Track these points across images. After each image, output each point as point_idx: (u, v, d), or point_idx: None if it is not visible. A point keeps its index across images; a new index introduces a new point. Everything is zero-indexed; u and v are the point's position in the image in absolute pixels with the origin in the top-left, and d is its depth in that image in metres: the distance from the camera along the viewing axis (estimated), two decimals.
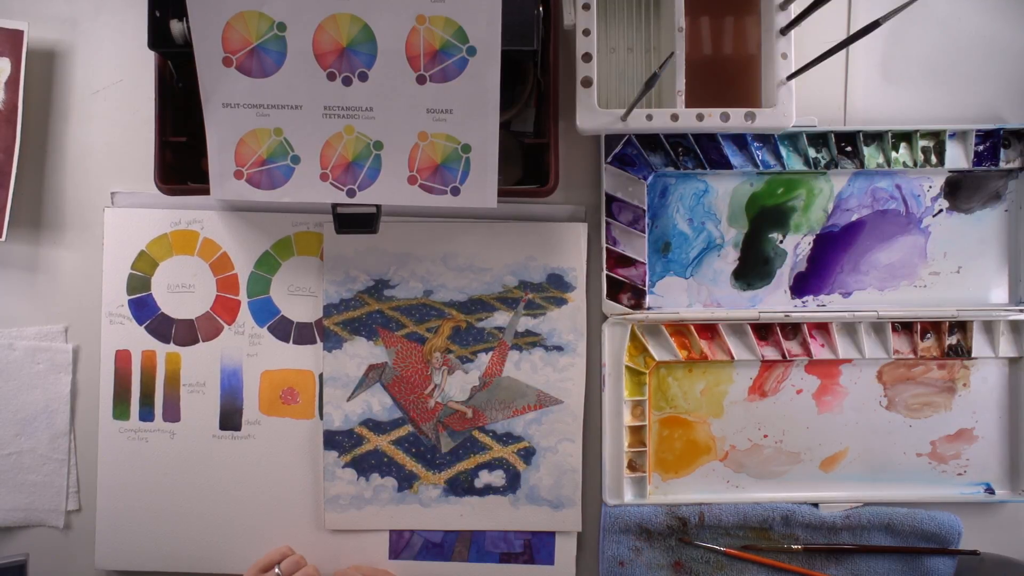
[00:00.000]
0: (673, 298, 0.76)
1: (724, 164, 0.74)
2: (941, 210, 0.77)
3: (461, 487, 0.72)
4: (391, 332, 0.71)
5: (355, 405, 0.71)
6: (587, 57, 0.68)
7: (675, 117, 0.68)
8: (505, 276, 0.71)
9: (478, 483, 0.72)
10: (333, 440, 0.72)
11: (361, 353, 0.71)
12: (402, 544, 0.74)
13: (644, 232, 0.75)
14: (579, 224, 0.76)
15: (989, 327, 0.77)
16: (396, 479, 0.72)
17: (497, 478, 0.72)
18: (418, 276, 0.71)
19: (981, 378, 0.78)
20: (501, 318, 0.71)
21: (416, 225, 0.73)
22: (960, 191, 0.77)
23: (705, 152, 0.74)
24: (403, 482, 0.72)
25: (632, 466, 0.76)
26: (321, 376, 0.73)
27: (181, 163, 0.74)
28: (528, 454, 0.72)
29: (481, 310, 0.71)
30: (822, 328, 0.76)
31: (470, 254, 0.71)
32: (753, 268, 0.77)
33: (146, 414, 0.76)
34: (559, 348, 0.72)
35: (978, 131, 0.75)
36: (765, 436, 0.77)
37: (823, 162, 0.75)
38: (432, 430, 0.71)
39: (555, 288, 0.72)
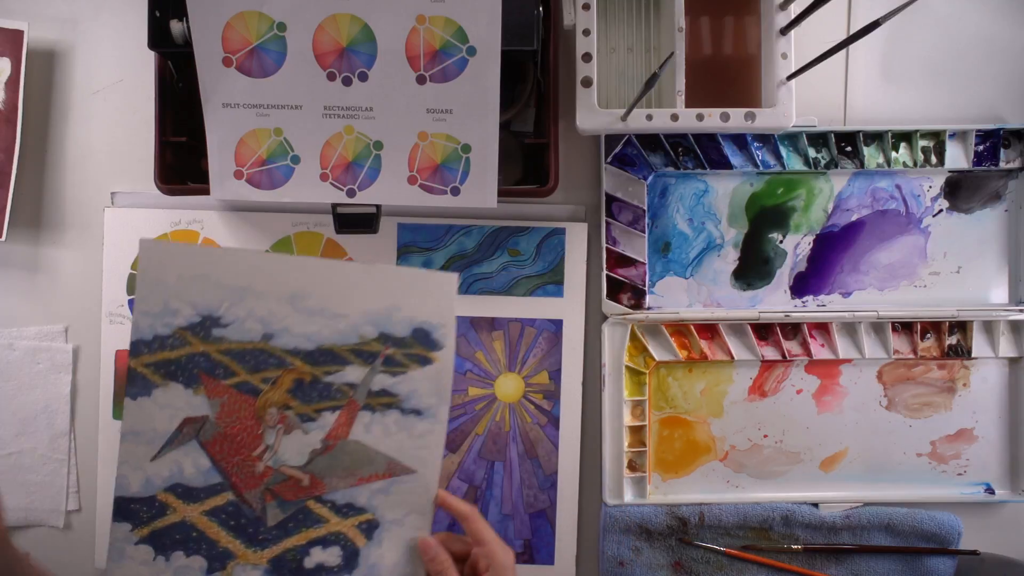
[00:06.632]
0: (673, 298, 0.77)
1: (724, 164, 0.74)
2: (941, 210, 0.77)
3: (287, 568, 0.59)
4: (217, 380, 0.58)
5: (161, 466, 0.58)
6: (587, 57, 0.68)
7: (675, 117, 0.68)
8: (363, 326, 0.59)
9: (308, 562, 0.59)
10: (127, 510, 0.57)
11: (175, 403, 0.58)
12: None
13: (644, 232, 0.75)
14: (579, 224, 0.76)
15: (989, 327, 0.77)
16: (206, 558, 0.58)
17: (331, 556, 0.59)
18: (257, 316, 0.58)
19: (981, 378, 0.78)
20: (353, 373, 0.59)
21: (260, 256, 0.62)
22: (960, 191, 0.77)
23: (705, 152, 0.74)
24: (214, 562, 0.58)
25: (632, 466, 0.76)
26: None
27: (181, 163, 0.74)
28: (371, 528, 0.59)
29: (331, 362, 0.59)
30: (822, 328, 0.76)
31: (324, 295, 0.59)
32: (753, 268, 0.77)
33: None
34: (417, 412, 0.60)
35: (978, 131, 0.75)
36: (765, 436, 0.77)
37: (823, 162, 0.75)
38: (258, 499, 0.59)
39: (420, 345, 0.60)
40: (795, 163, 0.75)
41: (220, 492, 0.58)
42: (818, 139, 0.75)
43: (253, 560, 0.59)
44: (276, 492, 0.59)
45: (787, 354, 0.76)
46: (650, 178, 0.75)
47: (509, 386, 0.77)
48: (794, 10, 0.68)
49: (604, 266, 0.75)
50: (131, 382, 0.57)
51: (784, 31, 0.68)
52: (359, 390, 0.59)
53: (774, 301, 0.77)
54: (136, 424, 0.57)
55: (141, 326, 0.58)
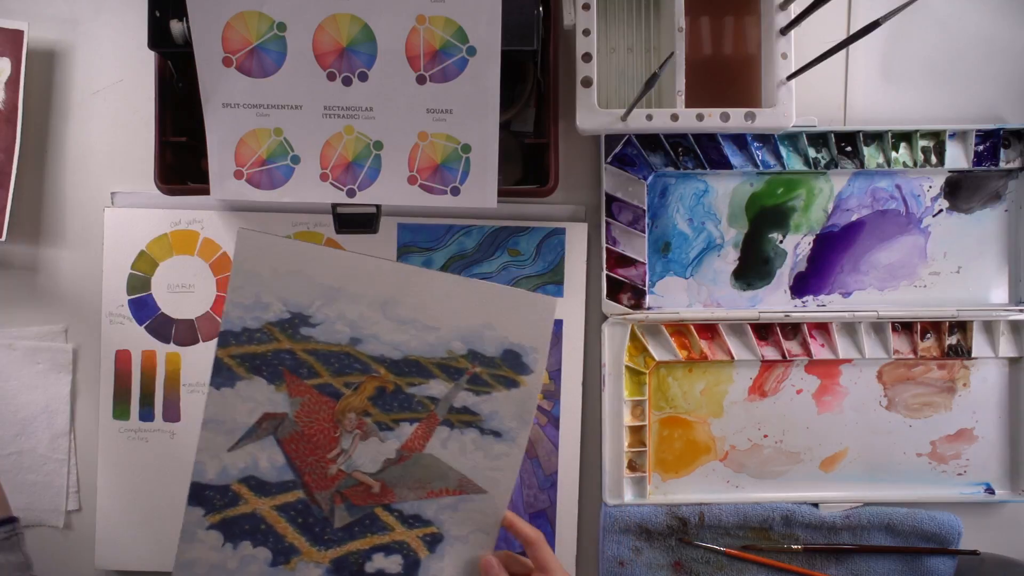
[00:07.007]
0: (673, 298, 0.77)
1: (724, 164, 0.74)
2: (941, 210, 0.77)
3: (349, 569, 0.59)
4: (300, 379, 0.58)
5: (237, 457, 0.58)
6: (587, 57, 0.68)
7: (675, 117, 0.68)
8: (453, 341, 0.59)
9: (370, 567, 0.59)
10: (202, 495, 0.59)
11: (257, 397, 0.58)
12: None
13: (644, 232, 0.75)
14: (579, 224, 0.76)
15: (989, 327, 0.77)
16: (271, 551, 0.59)
17: (393, 563, 0.59)
18: (347, 319, 0.58)
19: (981, 378, 0.78)
20: (437, 388, 0.59)
21: (357, 258, 0.60)
22: (960, 191, 0.77)
23: (705, 152, 0.74)
24: (279, 555, 0.59)
25: (632, 466, 0.76)
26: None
27: (181, 163, 0.74)
28: (434, 541, 0.60)
29: (416, 374, 0.59)
30: (822, 328, 0.76)
31: (417, 305, 0.58)
32: (753, 268, 0.77)
33: (146, 414, 0.76)
34: (496, 434, 0.59)
35: (978, 131, 0.75)
36: (765, 436, 0.77)
37: (823, 162, 0.75)
38: (327, 500, 0.59)
39: (509, 367, 0.59)
40: (795, 163, 0.75)
41: (292, 489, 0.59)
42: (818, 139, 0.75)
43: (317, 558, 0.59)
44: (346, 495, 0.59)
45: (787, 354, 0.76)
46: (650, 178, 0.75)
47: None
48: (794, 10, 0.68)
49: (604, 266, 0.75)
50: (216, 372, 0.58)
51: (784, 31, 0.68)
52: (441, 405, 0.59)
53: (774, 301, 0.77)
54: (217, 413, 0.58)
55: (231, 317, 0.57)
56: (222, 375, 0.58)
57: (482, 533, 0.60)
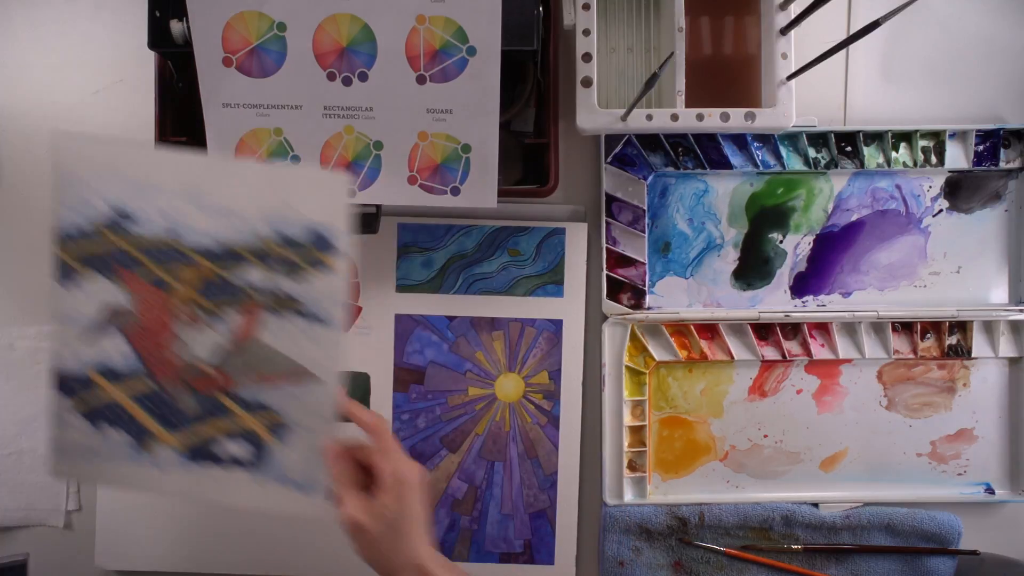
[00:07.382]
0: (673, 298, 0.77)
1: (724, 164, 0.74)
2: (941, 210, 0.77)
3: (200, 453, 0.62)
4: (133, 273, 0.60)
5: (90, 349, 0.62)
6: (587, 57, 0.68)
7: (675, 117, 0.68)
8: (259, 225, 0.60)
9: (220, 451, 0.62)
10: (64, 384, 0.62)
11: (99, 293, 0.61)
12: None
13: (644, 232, 0.75)
14: (579, 224, 0.76)
15: (989, 327, 0.77)
16: (131, 435, 0.62)
17: (241, 449, 0.62)
18: (162, 212, 0.60)
19: (981, 378, 0.78)
20: (255, 274, 0.60)
21: (160, 151, 0.62)
22: (960, 191, 0.77)
23: (705, 152, 0.74)
24: (138, 439, 0.62)
25: (632, 466, 0.76)
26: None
27: None
28: (277, 427, 0.62)
29: (233, 262, 0.60)
30: (822, 328, 0.76)
31: (220, 193, 0.60)
32: (753, 268, 0.77)
33: None
34: (317, 318, 0.61)
35: (978, 131, 0.75)
36: (765, 436, 0.77)
37: (823, 162, 0.75)
38: (173, 387, 0.62)
39: (317, 249, 0.60)
40: (795, 163, 0.75)
41: (140, 377, 0.62)
42: (818, 139, 0.75)
43: (171, 441, 0.62)
44: (189, 383, 0.62)
45: (787, 354, 0.76)
46: (650, 178, 0.75)
47: (509, 386, 0.77)
48: (794, 10, 0.68)
49: (604, 266, 0.75)
50: (61, 272, 0.60)
51: (784, 31, 0.68)
52: (261, 291, 0.60)
53: (774, 301, 0.77)
54: (66, 308, 0.61)
55: (62, 218, 0.60)
56: (63, 272, 0.60)
57: (322, 420, 0.61)
